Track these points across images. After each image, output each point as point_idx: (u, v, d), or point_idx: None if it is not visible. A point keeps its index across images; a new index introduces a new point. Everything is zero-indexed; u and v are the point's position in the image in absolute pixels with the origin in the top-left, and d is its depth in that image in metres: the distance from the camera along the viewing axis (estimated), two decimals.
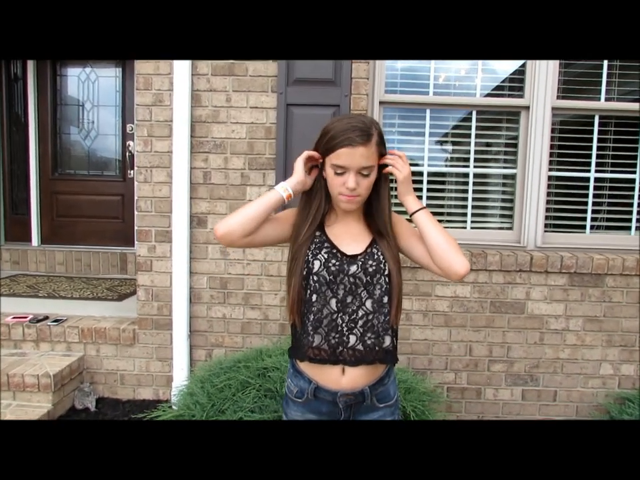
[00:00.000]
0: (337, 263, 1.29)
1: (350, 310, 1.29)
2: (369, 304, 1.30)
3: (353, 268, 1.29)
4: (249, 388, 2.21)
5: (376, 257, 1.31)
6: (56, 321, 3.01)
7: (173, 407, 2.50)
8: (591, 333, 2.88)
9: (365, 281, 1.29)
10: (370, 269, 1.29)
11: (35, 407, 2.61)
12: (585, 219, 2.98)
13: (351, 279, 1.29)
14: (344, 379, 1.30)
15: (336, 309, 1.30)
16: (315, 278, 1.29)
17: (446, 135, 3.02)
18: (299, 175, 1.31)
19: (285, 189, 1.30)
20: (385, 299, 1.30)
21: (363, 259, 1.30)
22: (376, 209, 1.36)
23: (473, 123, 2.92)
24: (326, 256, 1.30)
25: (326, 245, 1.32)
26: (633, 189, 2.97)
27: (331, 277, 1.29)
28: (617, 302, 2.85)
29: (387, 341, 1.32)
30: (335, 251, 1.31)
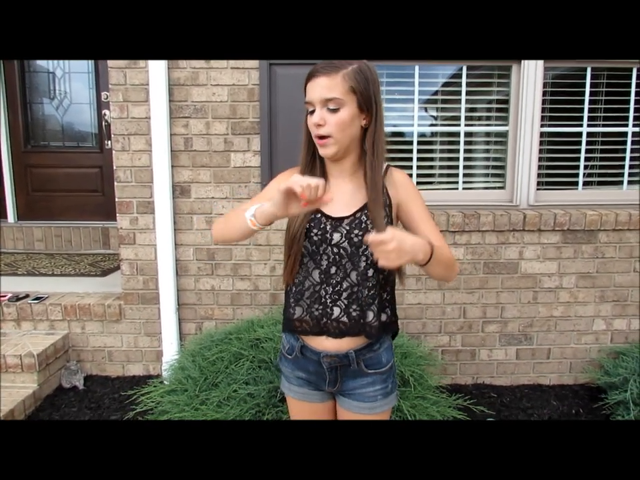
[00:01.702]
0: (320, 232, 1.20)
1: (334, 281, 1.22)
2: (353, 276, 1.21)
3: (337, 236, 1.20)
4: (242, 360, 2.16)
5: (363, 225, 1.19)
6: (37, 298, 2.91)
7: (165, 381, 2.45)
8: (584, 290, 2.87)
9: (349, 251, 1.20)
10: (355, 239, 1.19)
11: (19, 388, 2.53)
12: (577, 175, 2.92)
13: (335, 249, 1.20)
14: (327, 341, 1.25)
15: (319, 280, 1.23)
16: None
17: (435, 93, 2.91)
18: (273, 204, 1.09)
19: (252, 215, 1.13)
20: (370, 272, 1.20)
21: (348, 226, 1.19)
22: (367, 164, 1.21)
23: (464, 80, 2.81)
24: (307, 225, 1.21)
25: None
26: (624, 142, 2.91)
27: (313, 247, 1.21)
28: (610, 257, 2.83)
29: (370, 316, 1.22)
30: (319, 215, 1.21)
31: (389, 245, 0.97)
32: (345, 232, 1.19)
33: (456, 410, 2.20)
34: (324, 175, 1.25)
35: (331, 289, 1.22)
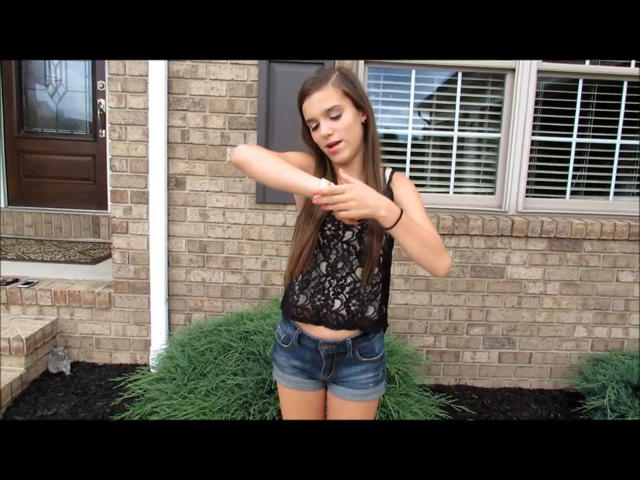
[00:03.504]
0: (333, 228, 1.27)
1: (339, 275, 1.29)
2: (358, 272, 1.29)
3: (348, 234, 1.27)
4: (231, 351, 2.18)
5: (374, 226, 1.25)
6: (27, 283, 2.91)
7: (152, 370, 2.47)
8: (567, 297, 2.93)
9: (358, 249, 1.28)
10: (365, 238, 1.27)
11: (7, 371, 2.54)
12: (565, 184, 2.99)
13: (345, 246, 1.28)
14: (326, 330, 1.31)
15: (325, 273, 1.30)
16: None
17: (430, 97, 2.96)
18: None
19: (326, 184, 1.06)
20: (375, 270, 1.29)
21: (360, 226, 1.26)
22: (366, 156, 1.29)
23: (459, 86, 2.86)
24: (323, 219, 1.27)
25: None
26: (612, 154, 2.98)
27: (325, 241, 1.28)
28: (594, 266, 2.90)
29: (371, 310, 1.31)
30: (333, 213, 1.26)
31: (347, 194, 1.01)
32: (357, 231, 1.27)
33: (438, 408, 2.25)
34: (334, 177, 1.30)
35: (335, 282, 1.29)
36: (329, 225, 1.27)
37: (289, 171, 1.10)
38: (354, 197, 1.02)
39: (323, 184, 1.05)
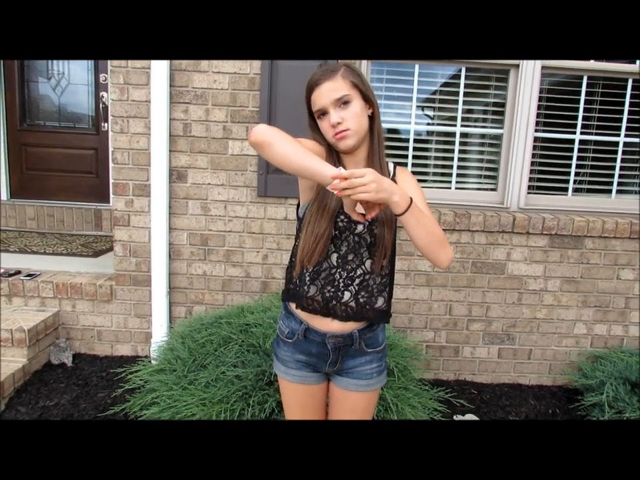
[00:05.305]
0: (346, 220, 1.28)
1: (349, 267, 1.30)
2: (368, 264, 1.30)
3: (360, 227, 1.29)
4: (231, 343, 2.19)
5: (385, 219, 1.28)
6: (29, 275, 2.92)
7: (153, 361, 2.48)
8: (568, 294, 2.93)
9: (369, 241, 1.29)
10: (375, 231, 1.28)
11: (9, 362, 2.55)
12: (567, 181, 2.99)
13: (356, 238, 1.29)
14: (333, 323, 1.32)
15: (336, 264, 1.30)
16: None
17: (434, 92, 2.96)
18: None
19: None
20: (384, 262, 1.30)
21: (369, 220, 1.26)
22: (371, 147, 1.32)
23: (462, 81, 2.86)
24: (337, 210, 1.28)
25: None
26: (615, 151, 2.98)
27: (336, 232, 1.29)
28: (595, 264, 2.90)
29: (380, 301, 1.33)
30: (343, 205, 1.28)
31: (367, 176, 1.01)
32: (368, 224, 1.28)
33: (437, 402, 2.26)
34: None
35: (345, 274, 1.30)
36: (342, 217, 1.27)
37: (308, 156, 1.09)
38: (374, 179, 1.02)
39: (340, 170, 1.06)
